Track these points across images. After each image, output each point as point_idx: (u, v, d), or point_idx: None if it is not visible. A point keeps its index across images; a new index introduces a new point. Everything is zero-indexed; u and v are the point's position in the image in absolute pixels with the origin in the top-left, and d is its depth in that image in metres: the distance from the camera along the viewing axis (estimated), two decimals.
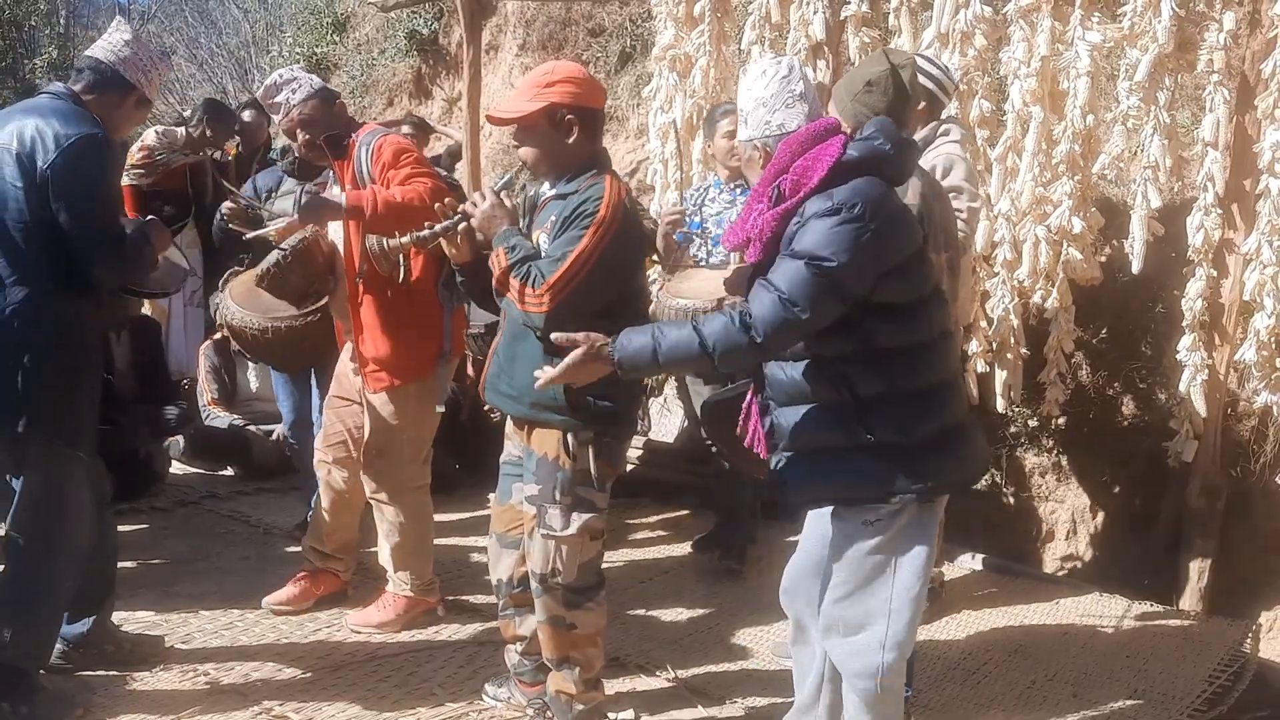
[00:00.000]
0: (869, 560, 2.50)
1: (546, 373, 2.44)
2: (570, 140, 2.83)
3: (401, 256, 3.27)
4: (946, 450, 2.47)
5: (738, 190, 4.22)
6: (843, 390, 2.42)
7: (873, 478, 2.44)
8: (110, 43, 3.09)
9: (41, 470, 3.01)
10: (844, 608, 2.54)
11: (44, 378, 2.93)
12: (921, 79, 3.56)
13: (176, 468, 5.46)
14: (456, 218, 2.91)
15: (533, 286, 2.71)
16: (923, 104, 3.58)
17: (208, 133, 5.81)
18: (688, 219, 4.07)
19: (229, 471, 5.65)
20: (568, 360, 2.40)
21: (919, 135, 3.70)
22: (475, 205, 2.87)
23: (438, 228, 2.94)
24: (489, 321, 3.81)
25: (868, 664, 2.52)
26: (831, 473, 2.48)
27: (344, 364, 3.80)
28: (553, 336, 2.48)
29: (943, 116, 3.75)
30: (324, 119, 3.55)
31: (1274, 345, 3.94)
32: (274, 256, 3.57)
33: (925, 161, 3.66)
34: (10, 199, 2.89)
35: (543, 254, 2.81)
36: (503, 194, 2.91)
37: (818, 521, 2.70)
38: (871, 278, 2.34)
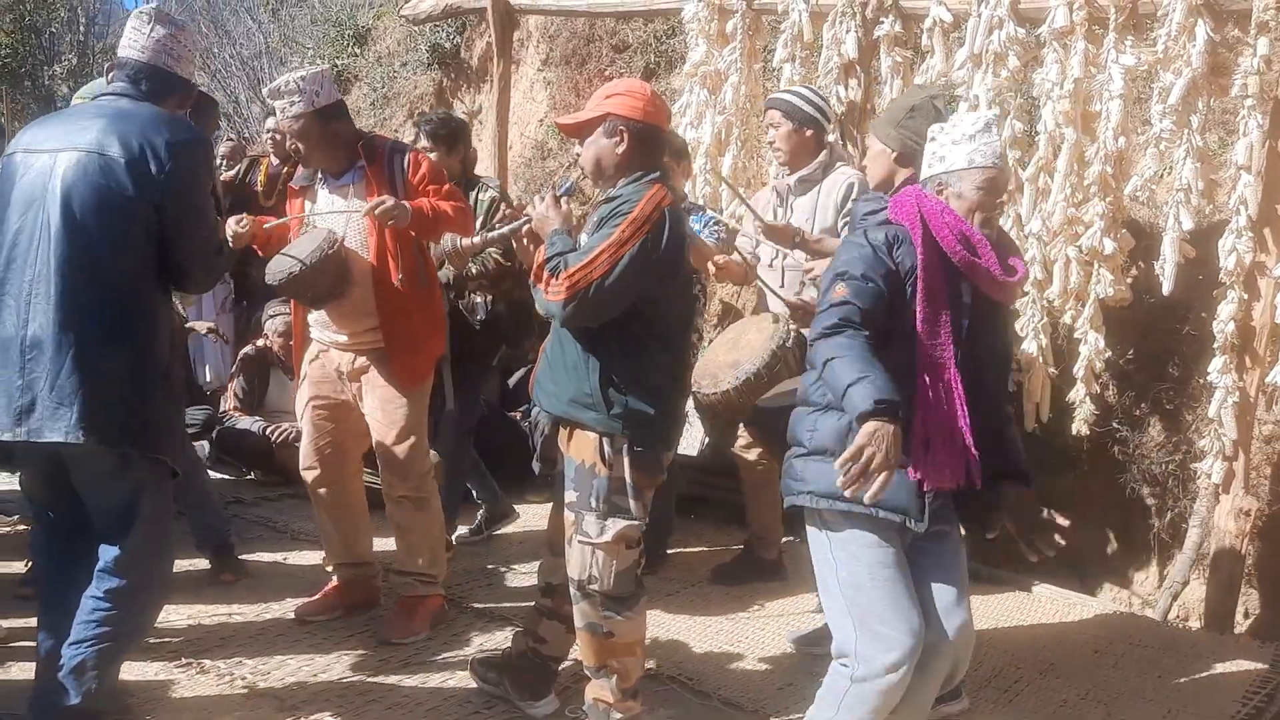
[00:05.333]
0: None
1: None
2: (620, 149, 2.92)
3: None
4: None
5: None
6: None
7: None
8: (158, 42, 2.93)
9: (157, 495, 2.90)
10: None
11: (161, 393, 2.84)
12: (806, 107, 3.91)
13: None
14: (522, 220, 3.10)
15: (555, 276, 2.80)
16: (809, 131, 3.91)
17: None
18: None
19: (252, 478, 5.67)
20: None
21: (817, 161, 3.98)
22: (534, 207, 3.02)
23: (506, 229, 3.21)
24: None
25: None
26: None
27: (317, 369, 3.78)
28: None
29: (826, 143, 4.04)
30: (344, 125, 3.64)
31: None
32: (310, 257, 3.44)
33: (835, 184, 3.93)
34: (122, 210, 2.74)
35: None
36: (562, 198, 3.03)
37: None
38: None
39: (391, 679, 3.45)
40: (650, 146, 2.95)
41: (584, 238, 2.94)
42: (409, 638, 3.72)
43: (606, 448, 2.90)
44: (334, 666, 3.51)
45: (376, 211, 3.44)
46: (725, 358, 3.74)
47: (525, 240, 3.08)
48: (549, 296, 2.82)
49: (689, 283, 3.05)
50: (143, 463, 2.83)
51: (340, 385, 3.75)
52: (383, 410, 3.67)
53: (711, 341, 4.08)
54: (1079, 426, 4.50)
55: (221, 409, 5.77)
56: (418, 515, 3.75)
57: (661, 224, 2.82)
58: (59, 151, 2.76)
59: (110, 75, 3.00)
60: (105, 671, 2.88)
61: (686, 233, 2.99)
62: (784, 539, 4.55)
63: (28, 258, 2.71)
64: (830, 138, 4.04)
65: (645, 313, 2.85)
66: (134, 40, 2.95)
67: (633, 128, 2.90)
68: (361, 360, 3.67)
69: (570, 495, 2.98)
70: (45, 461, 2.83)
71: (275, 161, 6.05)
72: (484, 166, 7.23)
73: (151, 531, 2.87)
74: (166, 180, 2.76)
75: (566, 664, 3.37)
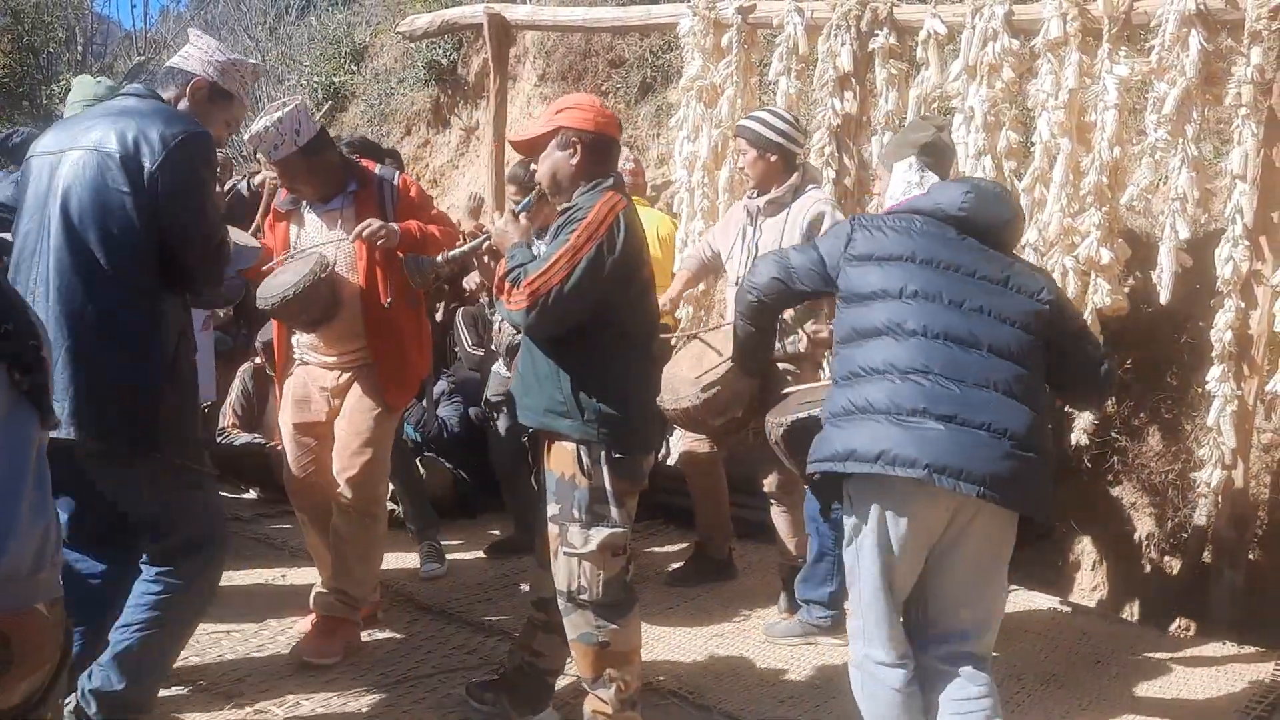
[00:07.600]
0: None
1: None
2: (574, 161, 2.96)
3: (436, 274, 3.50)
4: None
5: None
6: None
7: None
8: (203, 54, 2.95)
9: (188, 499, 2.87)
10: None
11: (164, 392, 2.77)
12: (769, 134, 3.92)
13: None
14: (482, 237, 3.21)
15: (515, 285, 2.84)
16: (774, 157, 3.94)
17: None
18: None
19: (250, 495, 5.66)
20: None
21: (786, 185, 3.99)
22: (494, 224, 3.11)
23: (466, 247, 3.35)
24: None
25: None
26: None
27: (299, 388, 3.77)
28: None
29: (798, 164, 4.07)
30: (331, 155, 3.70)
31: None
32: (303, 282, 3.47)
33: (803, 208, 3.93)
34: (116, 206, 2.68)
35: None
36: (521, 215, 3.10)
37: None
38: None
39: (393, 696, 3.43)
40: (603, 155, 2.99)
41: (542, 247, 2.97)
42: (323, 659, 3.60)
43: (584, 458, 2.92)
44: (331, 685, 3.49)
45: (364, 234, 3.51)
46: (688, 372, 3.72)
47: (485, 258, 3.15)
48: (510, 306, 2.87)
49: (650, 285, 3.06)
50: (152, 462, 2.76)
51: (321, 403, 3.75)
52: (351, 420, 3.68)
53: (678, 348, 4.06)
54: (1078, 436, 4.50)
55: (219, 425, 5.76)
56: (359, 529, 3.69)
57: (616, 227, 2.85)
58: (64, 151, 2.77)
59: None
60: (153, 663, 2.89)
61: (644, 235, 3.04)
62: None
63: (33, 259, 2.72)
64: (809, 158, 4.04)
65: (608, 317, 2.88)
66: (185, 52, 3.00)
67: (585, 138, 2.96)
68: (346, 376, 3.71)
69: (552, 508, 3.00)
70: (65, 462, 2.81)
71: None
72: (480, 183, 7.26)
73: (188, 539, 2.84)
74: (159, 173, 2.68)
75: (569, 680, 3.36)
